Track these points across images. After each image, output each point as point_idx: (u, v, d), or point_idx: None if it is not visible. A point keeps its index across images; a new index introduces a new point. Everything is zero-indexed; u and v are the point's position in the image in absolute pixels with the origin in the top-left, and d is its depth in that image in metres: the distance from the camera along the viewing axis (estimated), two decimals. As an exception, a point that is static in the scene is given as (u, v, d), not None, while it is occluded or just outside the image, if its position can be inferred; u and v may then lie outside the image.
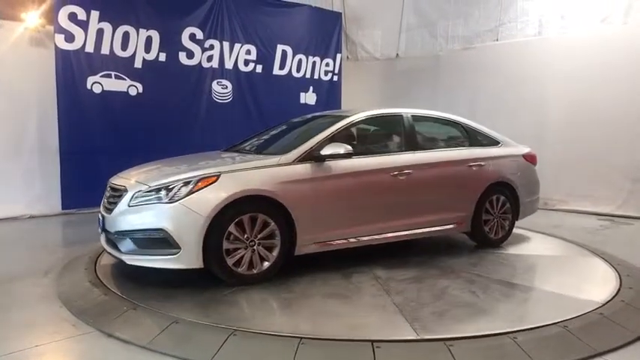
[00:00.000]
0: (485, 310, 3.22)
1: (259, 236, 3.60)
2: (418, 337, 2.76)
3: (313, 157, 3.86)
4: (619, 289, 3.60)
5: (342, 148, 3.88)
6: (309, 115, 5.01)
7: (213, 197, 3.42)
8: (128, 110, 6.78)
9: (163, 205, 3.42)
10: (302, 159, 3.83)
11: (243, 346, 2.70)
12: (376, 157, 4.29)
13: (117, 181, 3.90)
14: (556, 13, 7.50)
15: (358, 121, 4.37)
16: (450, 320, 3.04)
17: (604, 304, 3.29)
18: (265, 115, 7.98)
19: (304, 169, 3.80)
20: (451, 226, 4.59)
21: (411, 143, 4.46)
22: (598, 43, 7.00)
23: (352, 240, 4.06)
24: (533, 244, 5.12)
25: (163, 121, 7.07)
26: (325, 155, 3.86)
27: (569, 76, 7.22)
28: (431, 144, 4.77)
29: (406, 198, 4.28)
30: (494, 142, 5.00)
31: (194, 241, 3.36)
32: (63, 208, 6.47)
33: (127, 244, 3.55)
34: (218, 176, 3.52)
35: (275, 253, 3.66)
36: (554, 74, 7.38)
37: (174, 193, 3.43)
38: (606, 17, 6.99)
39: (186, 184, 3.46)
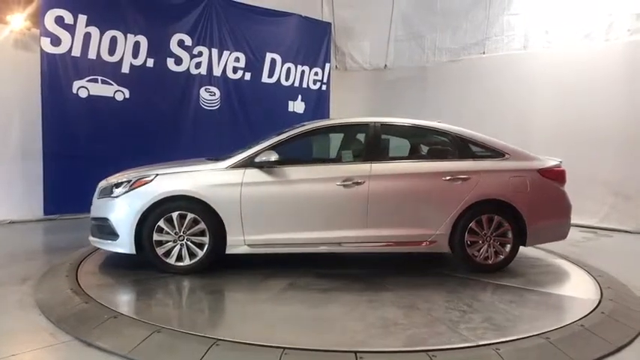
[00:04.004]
0: (322, 326, 3.10)
1: (188, 232, 4.00)
2: (185, 330, 2.90)
3: (250, 164, 4.10)
4: (600, 301, 3.64)
5: (273, 156, 4.06)
6: (299, 125, 5.02)
7: (144, 195, 3.97)
8: (114, 115, 6.73)
9: (111, 199, 4.09)
10: (237, 165, 4.10)
11: (226, 356, 2.67)
12: (321, 165, 4.39)
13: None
14: (541, 28, 7.65)
15: (309, 131, 4.42)
16: (266, 328, 3.02)
17: (585, 316, 3.32)
18: (253, 122, 7.99)
19: (237, 174, 4.06)
20: (417, 244, 4.21)
21: (373, 153, 4.30)
22: (581, 59, 7.16)
23: (287, 246, 4.13)
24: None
25: (150, 126, 7.03)
26: (257, 163, 4.07)
27: (554, 90, 7.36)
28: (400, 154, 4.63)
29: (356, 209, 4.10)
30: (496, 154, 4.40)
31: (127, 231, 3.96)
32: (45, 214, 6.38)
33: (93, 229, 4.28)
34: (154, 177, 4.02)
35: (204, 249, 4.01)
36: (539, 88, 7.51)
37: (119, 190, 4.06)
38: (589, 34, 7.16)
39: (128, 182, 4.06)
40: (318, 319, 3.26)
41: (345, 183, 4.10)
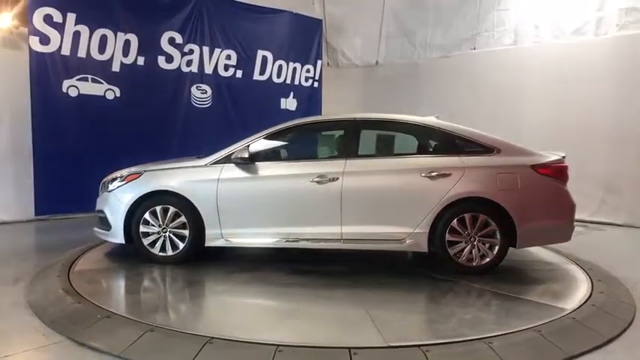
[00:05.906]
0: (248, 317, 3.25)
1: (171, 225, 4.25)
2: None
3: (227, 161, 4.25)
4: (591, 294, 3.68)
5: (245, 153, 4.19)
6: (282, 123, 5.04)
7: (131, 190, 4.29)
8: (105, 114, 6.68)
9: (106, 193, 4.45)
10: (215, 162, 4.27)
11: (219, 354, 2.67)
12: (296, 161, 4.38)
13: None
14: (530, 24, 7.70)
15: (288, 129, 4.45)
16: (198, 317, 3.28)
17: (576, 309, 3.36)
18: (245, 120, 7.97)
19: (215, 171, 4.23)
20: (393, 242, 4.06)
21: (349, 149, 4.25)
22: (571, 54, 7.21)
23: (263, 241, 4.22)
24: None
25: (141, 125, 6.98)
26: (233, 160, 4.21)
27: (544, 85, 7.41)
28: (378, 150, 4.64)
29: (330, 206, 4.06)
30: (485, 150, 4.13)
31: (118, 222, 4.29)
32: (36, 214, 6.33)
33: (97, 221, 4.61)
34: (141, 174, 4.34)
35: (185, 242, 4.24)
36: (529, 83, 7.56)
37: (114, 185, 4.41)
38: (578, 29, 7.22)
39: (121, 178, 4.39)
40: (256, 310, 3.44)
41: (320, 179, 4.09)
